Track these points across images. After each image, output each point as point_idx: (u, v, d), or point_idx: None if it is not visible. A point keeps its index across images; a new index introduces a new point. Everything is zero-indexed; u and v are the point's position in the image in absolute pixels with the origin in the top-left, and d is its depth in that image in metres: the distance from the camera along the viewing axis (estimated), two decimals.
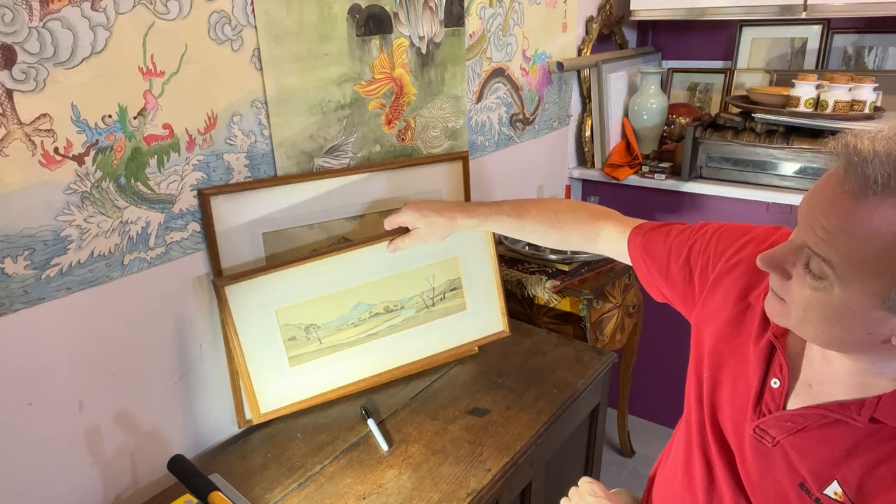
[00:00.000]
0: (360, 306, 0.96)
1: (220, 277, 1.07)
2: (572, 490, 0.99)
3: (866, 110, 1.65)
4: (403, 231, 1.18)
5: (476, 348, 1.42)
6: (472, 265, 1.18)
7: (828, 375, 0.73)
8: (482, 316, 1.21)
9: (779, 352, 0.77)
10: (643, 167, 2.02)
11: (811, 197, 0.65)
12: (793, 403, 0.76)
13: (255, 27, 1.06)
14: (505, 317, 1.15)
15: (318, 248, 1.15)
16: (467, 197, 1.38)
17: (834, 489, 0.69)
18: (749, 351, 0.81)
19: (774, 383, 0.77)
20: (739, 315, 0.84)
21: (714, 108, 2.20)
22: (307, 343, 1.11)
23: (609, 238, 1.06)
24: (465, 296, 1.09)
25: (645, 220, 1.05)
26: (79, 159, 0.89)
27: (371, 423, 1.17)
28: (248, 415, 1.15)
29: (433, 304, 1.00)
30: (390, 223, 1.18)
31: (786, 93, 1.75)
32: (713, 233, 0.92)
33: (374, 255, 1.17)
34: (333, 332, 1.02)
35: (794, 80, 1.73)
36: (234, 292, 1.07)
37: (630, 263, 1.04)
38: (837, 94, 1.66)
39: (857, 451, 0.68)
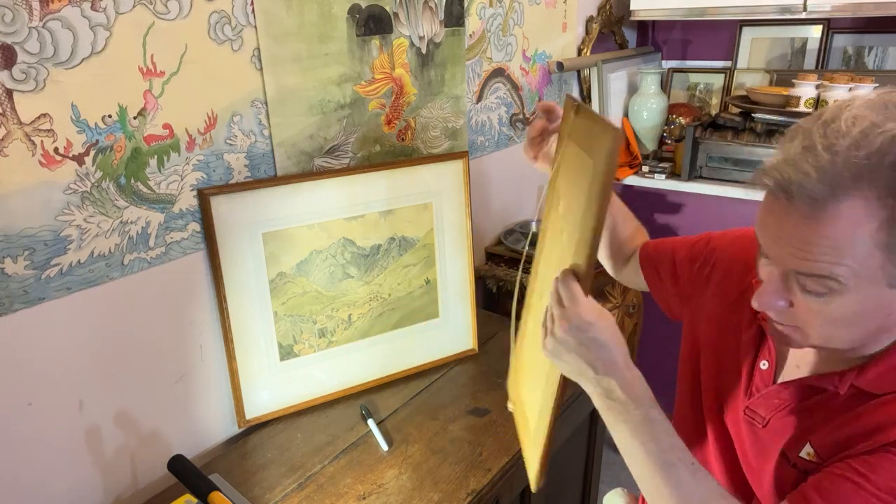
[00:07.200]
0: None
1: None
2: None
3: None
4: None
5: (476, 348, 1.42)
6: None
7: (821, 356, 0.76)
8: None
9: (768, 335, 0.80)
10: (643, 167, 2.02)
11: (772, 230, 0.66)
12: None
13: (255, 27, 1.06)
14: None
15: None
16: (467, 197, 1.38)
17: (807, 450, 0.72)
18: (741, 336, 0.84)
19: (763, 365, 0.80)
20: (735, 303, 0.88)
21: (714, 108, 2.20)
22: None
23: (634, 258, 1.09)
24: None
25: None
26: (79, 159, 0.89)
27: (371, 423, 1.17)
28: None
29: None
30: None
31: (786, 93, 1.75)
32: (711, 235, 0.98)
33: None
34: None
35: (794, 80, 1.73)
36: None
37: (643, 283, 1.06)
38: (837, 94, 1.65)
39: (833, 415, 0.71)
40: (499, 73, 1.66)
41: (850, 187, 0.59)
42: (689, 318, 0.98)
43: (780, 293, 0.68)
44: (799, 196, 0.61)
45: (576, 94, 2.08)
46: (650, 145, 2.12)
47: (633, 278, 1.09)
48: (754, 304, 0.70)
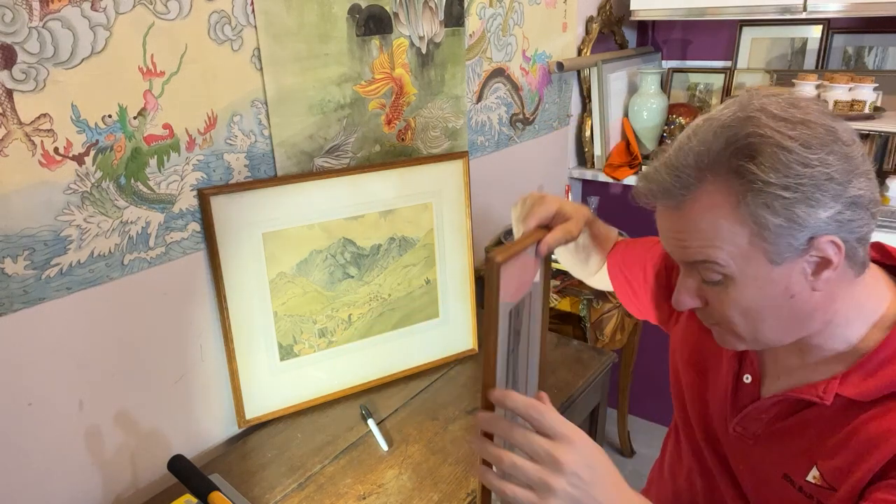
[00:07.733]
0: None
1: None
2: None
3: (866, 110, 1.65)
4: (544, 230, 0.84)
5: (476, 348, 1.42)
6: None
7: (795, 365, 0.75)
8: None
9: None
10: (643, 167, 2.02)
11: (659, 229, 0.71)
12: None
13: (255, 27, 1.06)
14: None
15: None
16: (467, 197, 1.38)
17: (814, 474, 0.71)
18: (723, 350, 0.83)
19: (746, 379, 0.80)
20: None
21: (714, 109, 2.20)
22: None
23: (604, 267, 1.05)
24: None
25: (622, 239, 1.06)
26: (79, 159, 0.89)
27: (371, 423, 1.17)
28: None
29: None
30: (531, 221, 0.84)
31: None
32: None
33: None
34: None
35: (794, 80, 1.73)
36: None
37: (611, 286, 1.04)
38: (837, 93, 1.66)
39: (828, 431, 0.70)
40: (499, 73, 1.66)
41: (696, 176, 0.64)
42: (670, 329, 0.96)
43: (689, 290, 0.71)
44: (661, 194, 0.67)
45: (576, 94, 2.08)
46: (650, 145, 2.12)
47: (601, 280, 1.07)
48: (673, 305, 0.73)
